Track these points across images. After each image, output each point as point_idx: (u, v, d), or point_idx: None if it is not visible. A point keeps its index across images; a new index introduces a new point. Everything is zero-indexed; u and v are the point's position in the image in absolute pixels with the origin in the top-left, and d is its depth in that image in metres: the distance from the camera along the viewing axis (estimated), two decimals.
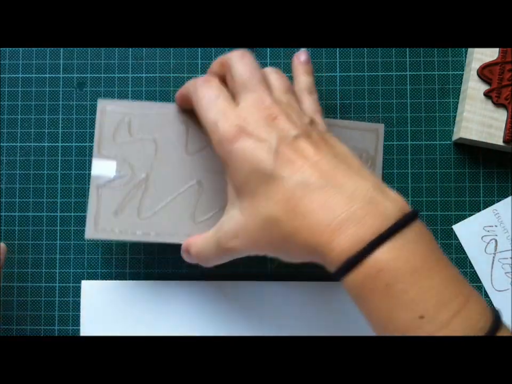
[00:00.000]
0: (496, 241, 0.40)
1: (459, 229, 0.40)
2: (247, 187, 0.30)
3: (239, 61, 0.33)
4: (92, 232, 0.37)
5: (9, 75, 0.42)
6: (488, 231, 0.40)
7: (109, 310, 0.40)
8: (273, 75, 0.35)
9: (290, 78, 0.41)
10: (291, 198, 0.29)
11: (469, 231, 0.40)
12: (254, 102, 0.32)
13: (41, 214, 0.41)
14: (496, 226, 0.40)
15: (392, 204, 0.29)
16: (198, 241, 0.35)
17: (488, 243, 0.40)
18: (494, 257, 0.40)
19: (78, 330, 0.40)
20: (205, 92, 0.33)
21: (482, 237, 0.40)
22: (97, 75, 0.42)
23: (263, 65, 0.41)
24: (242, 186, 0.31)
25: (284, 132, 0.30)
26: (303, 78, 0.36)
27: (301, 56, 0.37)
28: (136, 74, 0.42)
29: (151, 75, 0.42)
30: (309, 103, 0.35)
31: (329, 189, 0.29)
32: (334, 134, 0.34)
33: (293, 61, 0.38)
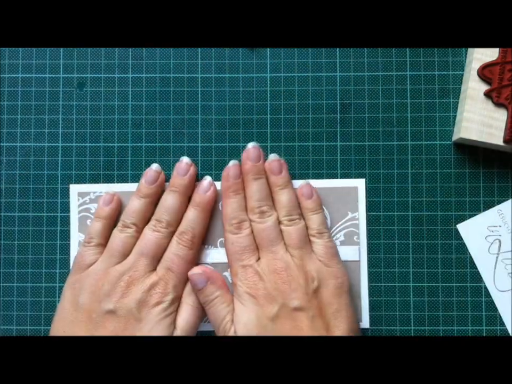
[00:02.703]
0: (500, 241, 0.40)
1: (463, 228, 0.40)
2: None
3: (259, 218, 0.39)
4: None
5: (9, 75, 0.42)
6: (492, 231, 0.40)
7: None
8: (285, 209, 0.39)
9: (291, 78, 0.41)
10: None
11: (473, 230, 0.40)
12: (268, 263, 0.37)
13: (41, 214, 0.41)
14: (500, 226, 0.40)
15: None
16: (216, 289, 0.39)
17: (491, 243, 0.40)
18: (497, 258, 0.40)
19: None
20: (236, 240, 0.38)
21: (486, 237, 0.40)
22: (97, 75, 0.42)
23: (263, 65, 0.41)
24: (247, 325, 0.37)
25: (287, 300, 0.36)
26: (313, 218, 0.39)
27: (303, 190, 0.40)
28: (136, 74, 0.42)
29: (151, 75, 0.42)
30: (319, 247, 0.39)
31: None
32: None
33: (298, 192, 0.40)
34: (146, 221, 0.39)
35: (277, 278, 0.36)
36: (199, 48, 0.42)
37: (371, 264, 0.40)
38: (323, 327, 0.35)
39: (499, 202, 0.41)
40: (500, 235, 0.40)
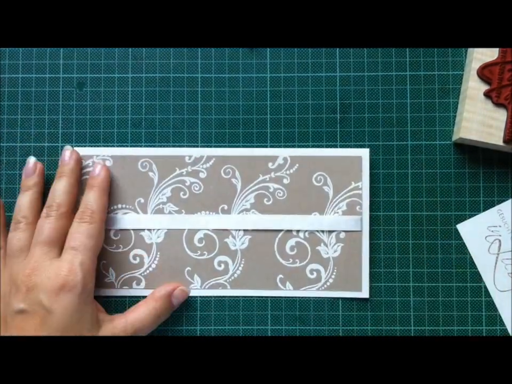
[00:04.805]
0: (500, 241, 0.40)
1: (463, 228, 0.40)
2: None
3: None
4: None
5: (9, 75, 0.42)
6: (492, 231, 0.40)
7: None
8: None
9: (290, 78, 0.41)
10: None
11: (473, 230, 0.40)
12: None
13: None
14: (500, 226, 0.40)
15: None
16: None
17: (491, 243, 0.40)
18: (497, 258, 0.40)
19: None
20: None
21: (486, 236, 0.40)
22: (97, 75, 0.42)
23: (263, 65, 0.41)
24: None
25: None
26: None
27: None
28: (136, 74, 0.42)
29: (151, 75, 0.42)
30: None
31: None
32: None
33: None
34: (36, 212, 0.39)
35: None
36: (199, 48, 0.42)
37: (370, 264, 0.40)
38: None
39: (499, 202, 0.41)
40: (499, 235, 0.40)
